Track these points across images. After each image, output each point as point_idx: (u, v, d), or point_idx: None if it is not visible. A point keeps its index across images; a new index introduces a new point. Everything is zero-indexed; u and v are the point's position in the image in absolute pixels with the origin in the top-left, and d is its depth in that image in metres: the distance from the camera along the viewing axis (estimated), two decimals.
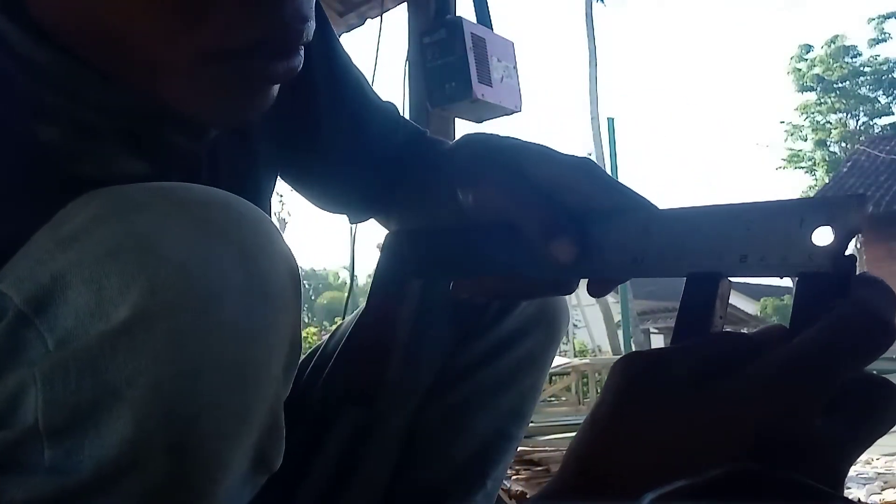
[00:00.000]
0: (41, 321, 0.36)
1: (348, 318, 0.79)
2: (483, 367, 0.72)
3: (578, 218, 0.47)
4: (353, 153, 0.69)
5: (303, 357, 0.82)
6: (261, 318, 0.39)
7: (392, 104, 0.74)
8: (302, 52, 0.47)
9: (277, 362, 0.40)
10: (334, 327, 0.82)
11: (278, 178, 0.71)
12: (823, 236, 0.38)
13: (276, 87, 0.49)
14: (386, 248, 0.55)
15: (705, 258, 0.42)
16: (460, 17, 2.07)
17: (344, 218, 0.76)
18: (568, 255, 0.46)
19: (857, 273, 0.37)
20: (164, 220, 0.38)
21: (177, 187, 0.40)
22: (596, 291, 0.49)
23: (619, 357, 0.36)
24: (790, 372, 0.31)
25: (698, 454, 0.31)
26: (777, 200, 0.40)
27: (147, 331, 0.35)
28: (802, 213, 0.39)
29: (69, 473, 0.35)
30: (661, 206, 0.47)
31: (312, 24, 0.47)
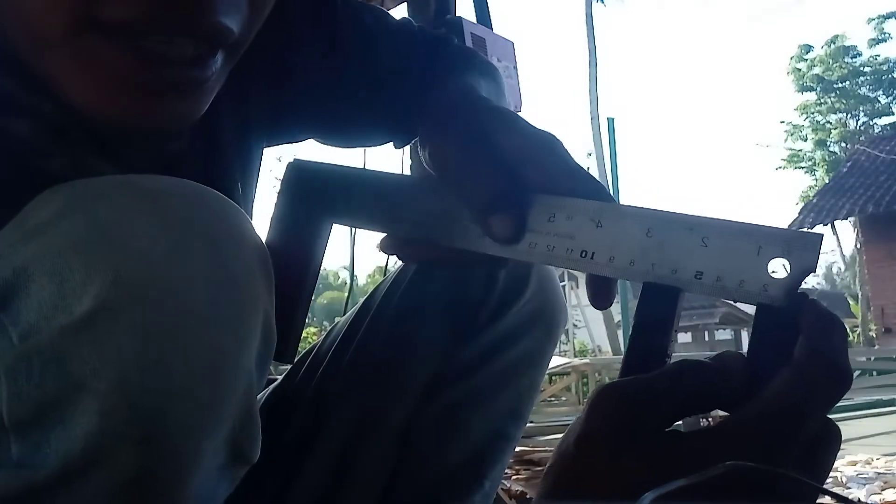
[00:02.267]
0: (5, 315, 0.36)
1: (344, 317, 0.79)
2: (480, 367, 0.72)
3: (529, 198, 0.45)
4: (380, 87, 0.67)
5: (298, 357, 0.81)
6: (229, 309, 0.38)
7: (408, 21, 0.72)
8: (216, 63, 0.44)
9: (249, 353, 0.39)
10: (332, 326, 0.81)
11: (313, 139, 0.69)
12: (779, 269, 0.38)
13: (201, 98, 0.45)
14: (286, 182, 0.51)
15: (659, 267, 0.41)
16: (460, 17, 2.07)
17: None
18: (505, 232, 0.44)
19: (810, 301, 0.37)
20: (128, 212, 0.37)
21: (143, 178, 0.40)
22: (599, 302, 0.47)
23: (599, 386, 0.37)
24: (768, 432, 0.34)
25: None
26: (736, 221, 0.40)
27: (111, 322, 0.35)
28: (760, 240, 0.38)
29: (37, 467, 0.35)
30: (642, 205, 0.45)
31: (230, 32, 0.43)
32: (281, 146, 0.72)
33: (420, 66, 0.67)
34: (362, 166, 0.54)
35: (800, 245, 0.38)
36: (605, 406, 0.35)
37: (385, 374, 0.71)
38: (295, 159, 0.53)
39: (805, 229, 0.38)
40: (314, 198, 0.52)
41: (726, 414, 0.36)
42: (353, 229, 1.82)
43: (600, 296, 0.47)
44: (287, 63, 0.64)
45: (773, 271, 0.38)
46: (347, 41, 0.66)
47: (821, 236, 0.38)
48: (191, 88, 0.44)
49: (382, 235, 0.53)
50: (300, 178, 0.53)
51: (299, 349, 0.43)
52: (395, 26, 0.70)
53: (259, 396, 0.81)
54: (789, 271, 0.38)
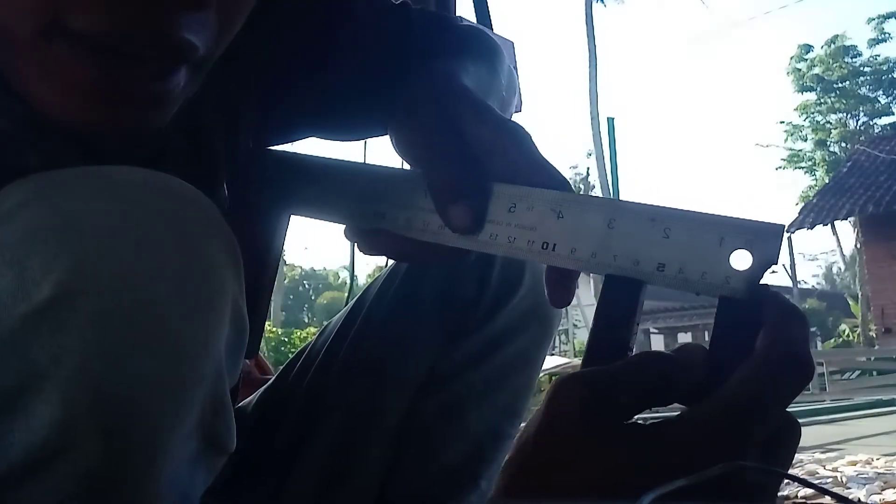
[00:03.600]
0: None
1: (334, 317, 0.79)
2: (476, 365, 0.72)
3: (489, 187, 0.45)
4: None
5: (292, 356, 0.81)
6: (195, 295, 0.37)
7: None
8: (181, 77, 0.44)
9: (217, 340, 0.39)
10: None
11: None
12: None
13: (164, 108, 0.45)
14: (243, 170, 0.50)
15: (621, 259, 0.40)
16: (460, 17, 2.07)
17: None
18: (464, 222, 0.44)
19: (772, 293, 0.37)
20: (90, 201, 0.36)
21: (109, 169, 0.39)
22: (557, 298, 0.47)
23: (560, 377, 0.36)
24: (730, 425, 0.34)
25: (630, 487, 0.32)
26: (698, 212, 0.40)
27: (71, 309, 0.34)
28: (722, 231, 0.38)
29: (1, 459, 0.34)
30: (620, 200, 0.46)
31: (195, 48, 0.43)
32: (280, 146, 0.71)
33: (415, 50, 0.64)
34: (332, 157, 0.52)
35: (762, 236, 0.38)
36: (566, 397, 0.35)
37: (378, 374, 0.71)
38: (256, 149, 0.51)
39: (770, 220, 0.38)
40: (273, 187, 0.51)
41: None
42: None
43: (559, 291, 0.46)
44: (277, 59, 0.63)
45: (736, 263, 0.38)
46: (338, 29, 0.65)
47: (782, 227, 0.38)
48: (153, 101, 0.44)
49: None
50: (259, 167, 0.52)
51: (248, 331, 0.42)
52: (388, 8, 0.68)
53: (252, 396, 0.81)
54: (751, 263, 0.38)
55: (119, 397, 0.34)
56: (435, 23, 0.70)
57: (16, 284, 0.35)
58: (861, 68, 20.88)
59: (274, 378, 0.79)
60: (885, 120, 20.71)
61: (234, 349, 0.41)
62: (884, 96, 20.95)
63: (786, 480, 1.26)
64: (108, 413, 0.34)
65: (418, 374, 0.71)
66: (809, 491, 1.15)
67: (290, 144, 0.70)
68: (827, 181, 14.33)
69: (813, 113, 21.51)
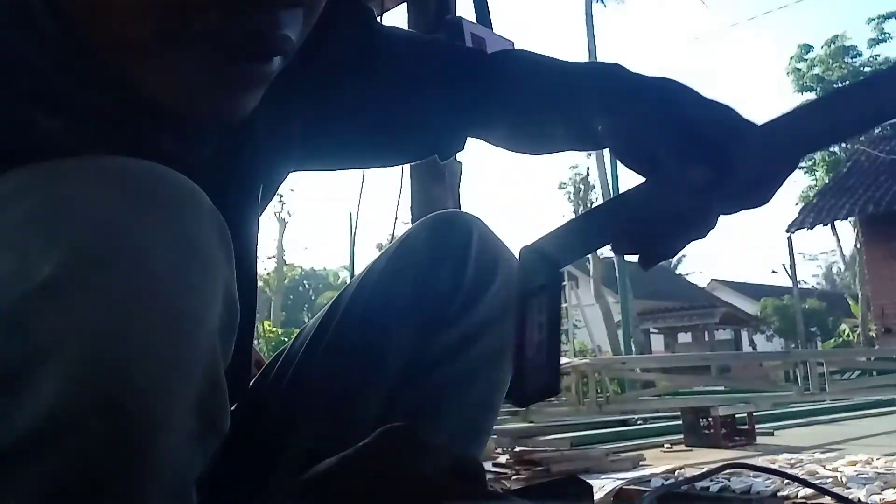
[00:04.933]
0: None
1: (311, 320, 0.80)
2: (452, 359, 0.72)
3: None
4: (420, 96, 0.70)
5: (272, 355, 0.82)
6: (190, 272, 0.38)
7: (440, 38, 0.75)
8: (276, 62, 0.48)
9: (212, 319, 0.40)
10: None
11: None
12: None
13: (257, 92, 0.49)
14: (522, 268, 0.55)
15: None
16: (460, 17, 2.07)
17: (344, 217, 0.77)
18: (704, 176, 0.48)
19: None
20: (87, 187, 0.38)
21: (104, 158, 0.41)
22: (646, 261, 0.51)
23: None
24: None
25: None
26: None
27: (73, 287, 0.35)
28: None
29: (5, 435, 0.35)
30: None
31: (292, 41, 0.48)
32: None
33: (464, 76, 0.70)
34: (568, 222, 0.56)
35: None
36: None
37: (356, 369, 0.72)
38: (524, 247, 0.56)
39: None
40: (546, 268, 0.55)
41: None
42: (354, 229, 1.82)
43: (647, 256, 0.53)
44: (326, 83, 0.67)
45: None
46: (384, 61, 0.69)
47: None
48: (256, 87, 0.49)
49: (382, 237, 0.55)
50: (530, 260, 0.56)
51: (239, 314, 0.45)
52: (427, 42, 0.73)
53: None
54: None
55: (121, 372, 0.35)
56: (471, 53, 0.74)
57: (17, 266, 0.35)
58: (861, 68, 20.87)
59: (255, 377, 0.79)
60: None
61: (226, 330, 0.42)
62: None
63: (786, 480, 1.26)
64: (110, 388, 0.35)
65: (397, 366, 0.72)
66: (809, 491, 1.15)
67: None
68: (827, 181, 14.32)
69: None
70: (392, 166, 0.79)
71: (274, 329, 11.81)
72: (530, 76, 0.68)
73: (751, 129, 0.50)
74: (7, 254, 0.36)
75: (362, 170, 0.78)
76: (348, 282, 0.81)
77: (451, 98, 0.70)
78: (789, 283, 14.65)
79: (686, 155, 0.49)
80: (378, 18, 0.74)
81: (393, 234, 2.62)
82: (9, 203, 0.37)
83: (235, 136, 0.61)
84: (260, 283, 0.79)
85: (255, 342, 0.82)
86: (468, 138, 0.75)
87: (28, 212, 0.37)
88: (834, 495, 1.08)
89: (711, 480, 1.29)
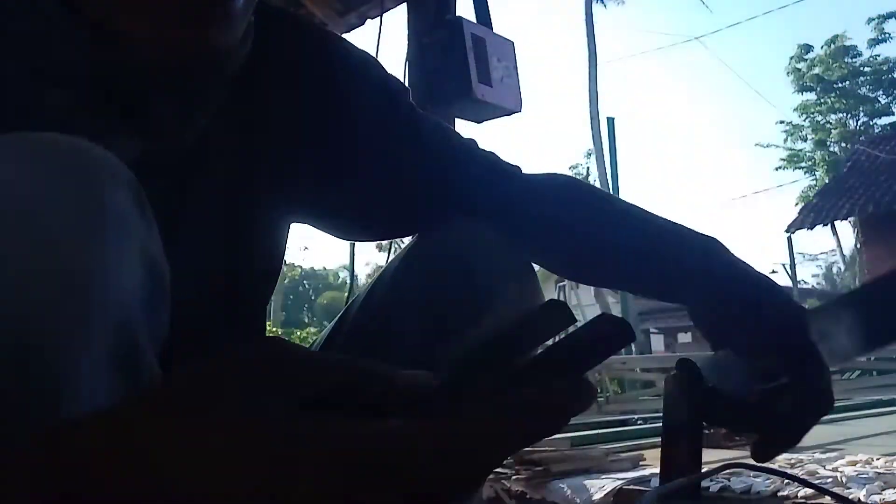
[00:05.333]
0: None
1: (331, 323, 0.80)
2: None
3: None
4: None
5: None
6: (92, 231, 0.39)
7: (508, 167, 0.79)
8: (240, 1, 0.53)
9: (117, 276, 0.39)
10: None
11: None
12: None
13: (227, 29, 0.54)
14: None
15: None
16: (460, 17, 2.07)
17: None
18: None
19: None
20: None
21: (26, 133, 0.41)
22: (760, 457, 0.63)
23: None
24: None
25: None
26: None
27: None
28: None
29: None
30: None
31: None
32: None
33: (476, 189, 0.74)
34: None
35: None
36: None
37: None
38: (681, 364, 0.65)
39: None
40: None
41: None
42: None
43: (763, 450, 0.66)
44: (340, 145, 0.71)
45: None
46: (405, 147, 0.72)
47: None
48: (225, 20, 0.53)
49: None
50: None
51: (168, 281, 0.47)
52: (457, 140, 0.77)
53: None
54: None
55: (15, 329, 0.35)
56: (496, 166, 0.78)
57: None
58: (861, 68, 20.89)
59: None
60: (885, 120, 20.72)
61: (152, 295, 0.42)
62: (884, 96, 20.95)
63: (786, 480, 1.26)
64: (11, 335, 0.35)
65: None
66: (809, 490, 1.15)
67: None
68: (827, 181, 14.33)
69: (813, 113, 21.52)
70: (376, 240, 0.85)
71: (274, 329, 11.81)
72: (618, 226, 0.73)
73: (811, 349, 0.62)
74: None
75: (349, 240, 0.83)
76: (348, 282, 0.82)
77: (471, 211, 0.74)
78: (789, 283, 14.65)
79: (756, 354, 0.61)
80: (378, 19, 0.75)
81: None
82: None
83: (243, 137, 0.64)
84: None
85: None
86: None
87: None
88: (834, 495, 1.08)
89: (711, 480, 1.29)
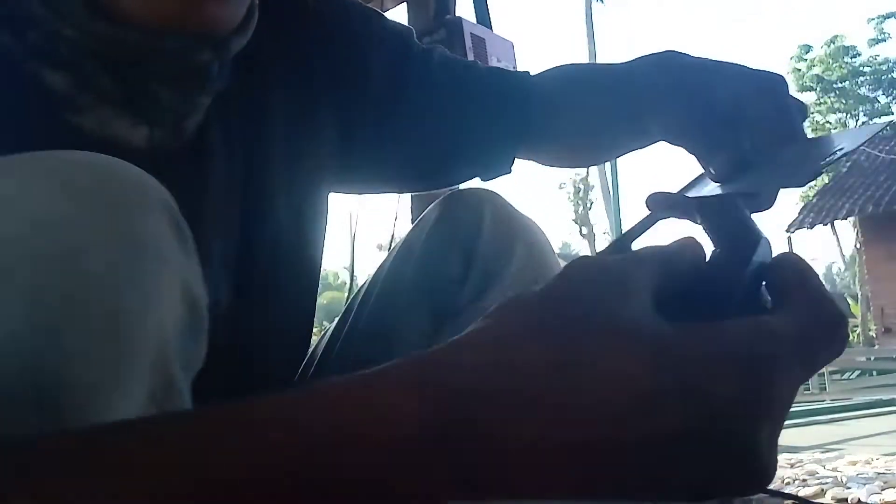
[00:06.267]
0: None
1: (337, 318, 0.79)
2: None
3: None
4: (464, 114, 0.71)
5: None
6: (131, 268, 0.37)
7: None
8: None
9: (158, 316, 0.39)
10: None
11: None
12: None
13: (227, 7, 0.53)
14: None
15: None
16: (460, 18, 2.07)
17: (345, 217, 0.77)
18: (723, 171, 0.49)
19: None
20: (29, 184, 0.37)
21: (50, 154, 0.40)
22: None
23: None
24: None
25: None
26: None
27: (2, 283, 0.34)
28: None
29: None
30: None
31: None
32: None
33: (507, 99, 0.71)
34: None
35: None
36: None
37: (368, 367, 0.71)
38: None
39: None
40: None
41: None
42: (354, 229, 1.82)
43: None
44: (356, 103, 0.68)
45: None
46: (420, 89, 0.70)
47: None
48: None
49: (382, 236, 0.55)
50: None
51: (205, 313, 0.44)
52: (468, 66, 0.74)
53: None
54: None
55: (49, 371, 0.34)
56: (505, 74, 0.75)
57: None
58: (861, 68, 20.88)
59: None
60: (885, 120, 20.70)
61: (191, 331, 0.41)
62: (884, 96, 20.95)
63: (786, 480, 1.26)
64: (38, 386, 0.34)
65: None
66: (809, 490, 1.15)
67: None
68: (827, 181, 14.33)
69: (813, 113, 21.49)
70: (436, 189, 0.78)
71: None
72: (586, 92, 0.69)
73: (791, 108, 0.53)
74: None
75: (406, 193, 0.79)
76: (348, 282, 0.81)
77: (495, 121, 0.71)
78: None
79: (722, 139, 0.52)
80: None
81: (393, 235, 2.62)
82: None
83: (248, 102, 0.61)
84: None
85: None
86: (515, 159, 0.74)
87: None
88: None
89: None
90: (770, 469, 0.27)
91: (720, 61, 0.58)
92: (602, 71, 0.71)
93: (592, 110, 0.68)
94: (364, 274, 0.84)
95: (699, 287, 0.32)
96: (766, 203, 0.50)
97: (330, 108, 0.67)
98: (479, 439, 0.25)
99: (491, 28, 2.13)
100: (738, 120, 0.52)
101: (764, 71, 0.54)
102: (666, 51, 0.61)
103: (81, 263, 0.36)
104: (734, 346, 0.27)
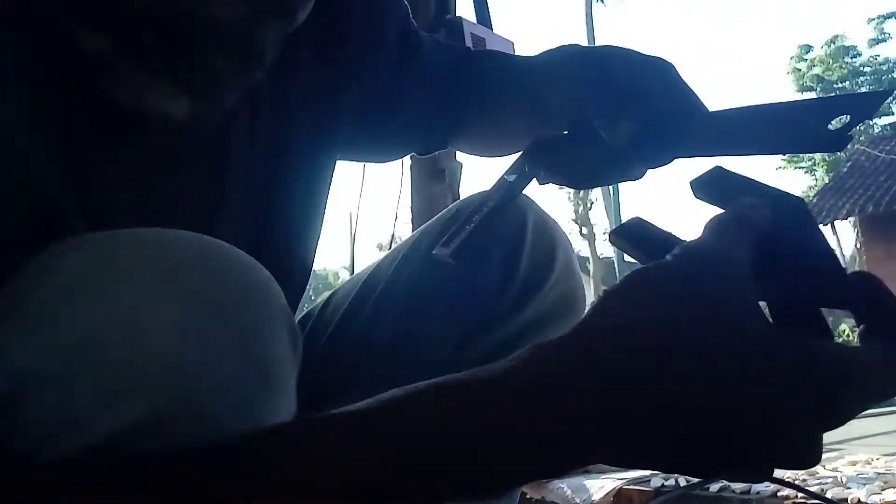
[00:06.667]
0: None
1: (336, 298, 0.75)
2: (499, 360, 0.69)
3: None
4: (409, 91, 0.71)
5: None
6: (251, 391, 0.36)
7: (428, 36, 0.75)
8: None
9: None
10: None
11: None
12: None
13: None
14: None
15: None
16: (460, 17, 2.07)
17: (344, 217, 0.76)
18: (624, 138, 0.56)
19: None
20: (147, 297, 0.34)
21: (163, 248, 0.37)
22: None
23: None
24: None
25: None
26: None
27: (129, 402, 0.33)
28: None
29: None
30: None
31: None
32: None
33: (450, 80, 0.71)
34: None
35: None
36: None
37: (392, 374, 0.69)
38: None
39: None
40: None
41: None
42: (353, 230, 1.82)
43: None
44: (368, 76, 0.67)
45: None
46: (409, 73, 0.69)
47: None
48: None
49: (382, 236, 0.54)
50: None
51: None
52: (429, 43, 0.73)
53: None
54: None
55: None
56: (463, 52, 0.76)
57: (65, 411, 0.33)
58: (861, 68, 20.88)
59: None
60: (885, 120, 20.70)
61: None
62: None
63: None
64: None
65: (433, 371, 0.69)
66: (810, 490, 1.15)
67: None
68: (827, 181, 14.32)
69: None
70: (383, 162, 0.79)
71: None
72: (499, 78, 0.71)
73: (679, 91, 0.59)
74: (52, 391, 0.33)
75: (361, 163, 0.78)
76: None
77: (437, 98, 0.71)
78: None
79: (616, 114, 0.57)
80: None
81: (393, 234, 2.62)
82: (56, 313, 0.35)
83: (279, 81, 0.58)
84: None
85: None
86: (449, 139, 0.75)
87: (77, 334, 0.34)
88: (824, 499, 1.08)
89: (711, 480, 1.29)
90: (815, 457, 0.33)
91: (611, 46, 0.63)
92: (519, 63, 0.73)
93: (496, 97, 0.71)
94: None
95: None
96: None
97: (352, 80, 0.65)
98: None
99: (491, 28, 2.13)
100: (632, 92, 0.58)
101: (652, 55, 0.60)
102: (565, 45, 0.67)
103: (215, 411, 0.34)
104: (827, 371, 0.32)
